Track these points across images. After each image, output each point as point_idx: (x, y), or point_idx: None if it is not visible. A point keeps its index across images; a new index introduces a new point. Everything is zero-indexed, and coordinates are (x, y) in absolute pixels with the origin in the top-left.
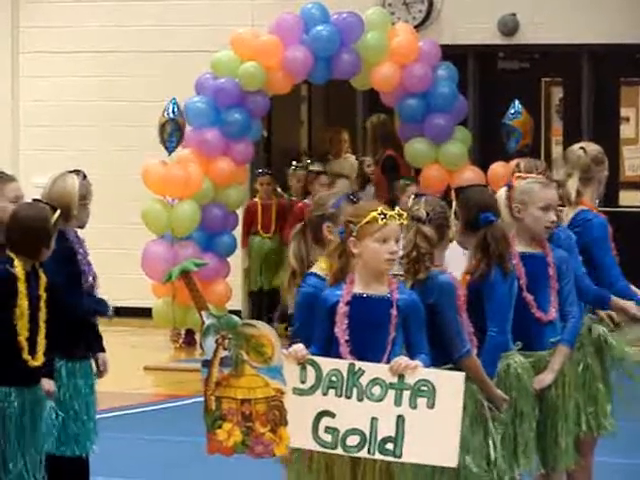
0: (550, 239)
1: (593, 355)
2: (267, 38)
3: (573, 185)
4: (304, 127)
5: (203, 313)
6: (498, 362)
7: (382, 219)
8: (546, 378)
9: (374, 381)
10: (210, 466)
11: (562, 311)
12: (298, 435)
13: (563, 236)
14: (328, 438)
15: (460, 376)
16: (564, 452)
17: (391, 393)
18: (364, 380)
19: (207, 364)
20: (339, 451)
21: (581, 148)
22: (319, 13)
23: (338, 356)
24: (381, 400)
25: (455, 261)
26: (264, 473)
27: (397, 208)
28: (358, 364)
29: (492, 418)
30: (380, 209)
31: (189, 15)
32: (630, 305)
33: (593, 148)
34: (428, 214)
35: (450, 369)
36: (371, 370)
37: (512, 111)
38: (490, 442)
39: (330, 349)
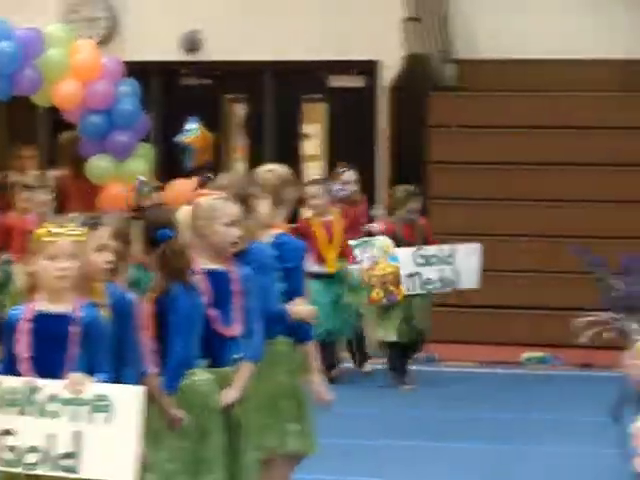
0: (242, 255)
1: (287, 373)
2: None
3: (264, 207)
4: None
5: None
6: (181, 378)
7: (49, 236)
8: (230, 394)
9: (51, 398)
10: None
11: (247, 327)
12: None
13: (256, 253)
14: (10, 456)
15: (139, 392)
16: (247, 468)
17: (68, 409)
18: (41, 397)
19: None
20: (20, 470)
21: (269, 171)
22: (1, 29)
23: (20, 374)
24: (58, 417)
25: None
26: None
27: (73, 225)
28: (36, 382)
29: (171, 436)
30: (50, 227)
31: None
32: (305, 311)
33: (281, 171)
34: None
35: None
36: (49, 387)
37: (185, 128)
38: (171, 459)
39: (15, 367)
